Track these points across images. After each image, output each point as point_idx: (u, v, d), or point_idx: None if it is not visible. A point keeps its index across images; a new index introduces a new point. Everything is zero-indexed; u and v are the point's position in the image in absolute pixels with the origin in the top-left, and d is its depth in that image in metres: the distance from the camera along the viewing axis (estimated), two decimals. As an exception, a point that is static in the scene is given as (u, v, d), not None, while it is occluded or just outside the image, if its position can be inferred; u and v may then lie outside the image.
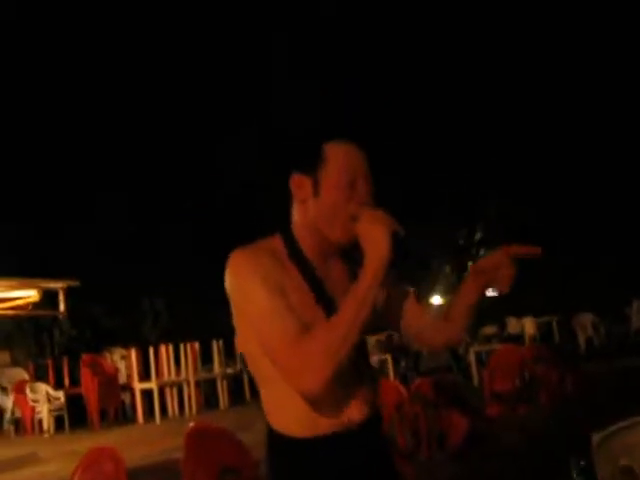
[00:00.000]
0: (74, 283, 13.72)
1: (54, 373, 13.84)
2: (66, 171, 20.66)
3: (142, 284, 17.75)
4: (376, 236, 1.67)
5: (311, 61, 20.38)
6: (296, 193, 1.82)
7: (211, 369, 14.23)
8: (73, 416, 12.72)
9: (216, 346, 14.15)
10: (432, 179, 20.87)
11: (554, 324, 18.84)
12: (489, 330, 17.47)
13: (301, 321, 1.66)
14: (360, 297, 1.65)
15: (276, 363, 1.67)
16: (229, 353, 14.78)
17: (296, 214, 1.84)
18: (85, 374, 12.90)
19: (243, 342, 1.78)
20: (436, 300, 24.34)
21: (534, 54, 21.50)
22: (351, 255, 1.85)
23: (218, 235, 18.72)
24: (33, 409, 12.57)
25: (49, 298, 14.08)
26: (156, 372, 12.97)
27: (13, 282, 12.19)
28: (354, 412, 1.76)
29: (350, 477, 1.76)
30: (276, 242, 1.82)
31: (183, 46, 21.91)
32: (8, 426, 12.91)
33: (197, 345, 13.97)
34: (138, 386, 12.82)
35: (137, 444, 9.83)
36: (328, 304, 1.75)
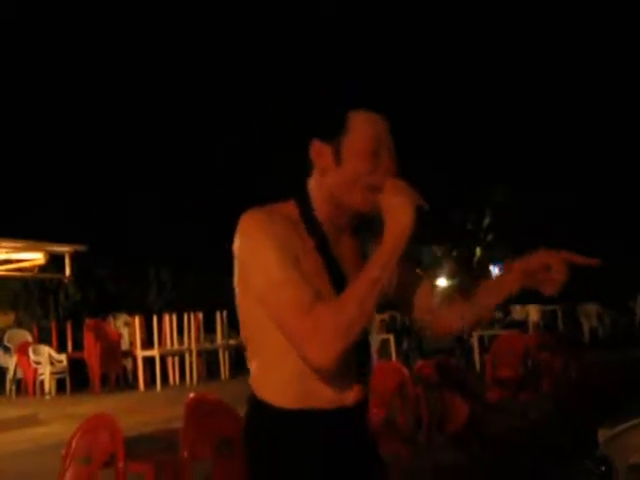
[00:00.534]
0: (81, 248, 13.70)
1: (57, 336, 13.88)
2: (77, 143, 20.70)
3: (148, 253, 17.76)
4: (400, 207, 1.62)
5: (311, 61, 20.27)
6: (316, 161, 1.76)
7: (214, 339, 14.26)
8: (75, 380, 12.79)
9: (219, 317, 14.16)
10: (442, 163, 20.77)
11: (559, 312, 18.81)
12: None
13: (314, 290, 1.61)
14: (377, 269, 1.60)
15: (286, 332, 1.61)
16: (232, 324, 14.78)
17: (313, 182, 1.78)
18: (88, 338, 12.94)
19: (244, 305, 1.72)
20: (441, 282, 24.32)
21: (539, 44, 21.32)
22: (361, 234, 1.80)
23: (224, 207, 18.70)
24: (35, 371, 12.63)
25: (56, 261, 14.07)
26: (159, 340, 13.00)
27: (19, 244, 12.15)
28: (349, 392, 1.71)
29: (333, 455, 1.71)
30: (290, 207, 1.76)
31: (180, 41, 21.83)
32: (10, 386, 12.97)
33: (201, 315, 13.99)
34: (140, 353, 12.85)
35: (137, 411, 9.86)
36: (338, 277, 1.70)
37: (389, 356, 13.68)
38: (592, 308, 17.66)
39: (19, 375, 13.00)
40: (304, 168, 1.81)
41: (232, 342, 14.35)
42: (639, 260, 22.56)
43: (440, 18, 21.31)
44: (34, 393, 12.56)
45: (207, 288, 17.05)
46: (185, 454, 3.59)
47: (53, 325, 14.19)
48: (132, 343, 13.74)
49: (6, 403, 11.78)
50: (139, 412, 9.70)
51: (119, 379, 13.28)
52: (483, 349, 12.97)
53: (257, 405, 1.76)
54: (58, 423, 9.00)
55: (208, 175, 21.61)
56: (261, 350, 1.74)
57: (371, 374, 1.82)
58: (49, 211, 17.86)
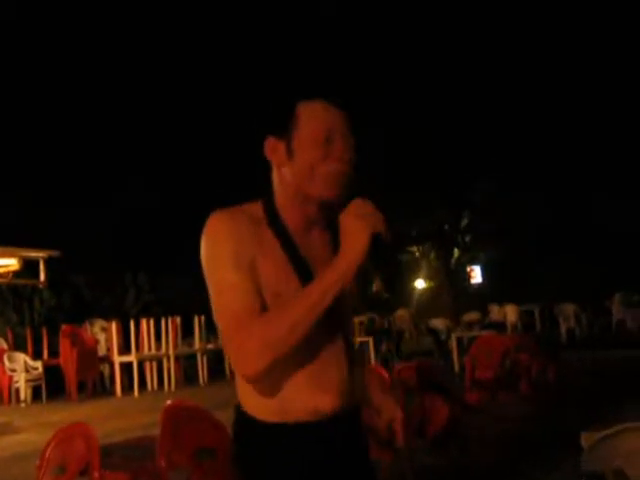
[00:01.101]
0: (55, 253, 13.56)
1: (33, 343, 13.71)
2: (57, 144, 20.55)
3: (125, 257, 17.63)
4: (356, 233, 1.55)
5: (310, 62, 20.28)
6: (271, 158, 1.73)
7: (192, 344, 14.16)
8: (51, 387, 12.62)
9: (197, 321, 14.06)
10: (420, 164, 20.81)
11: (536, 313, 18.92)
12: (471, 316, 17.50)
13: (257, 303, 1.57)
14: (317, 294, 1.55)
15: (222, 338, 1.60)
16: (211, 328, 14.70)
17: (275, 181, 1.74)
18: (64, 345, 12.79)
19: (214, 310, 1.68)
20: (419, 284, 24.40)
21: (517, 46, 21.45)
22: (336, 225, 1.76)
23: (203, 210, 18.57)
24: (10, 378, 12.45)
25: (30, 267, 13.91)
26: (136, 345, 12.88)
27: (-7, 250, 12.02)
28: (324, 402, 1.66)
29: (313, 470, 1.67)
30: (256, 207, 1.73)
31: (177, 41, 21.77)
32: (-15, 394, 12.80)
33: (178, 320, 13.88)
34: (117, 359, 12.72)
35: (114, 417, 9.77)
36: (305, 274, 1.65)
37: (368, 359, 13.67)
38: (569, 308, 17.75)
39: (-6, 383, 12.83)
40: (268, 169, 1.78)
41: (210, 346, 14.26)
42: (616, 260, 22.76)
43: (423, 20, 21.36)
44: (9, 401, 12.38)
45: (185, 292, 16.94)
46: (162, 463, 3.53)
47: (28, 332, 14.01)
48: (109, 349, 13.60)
49: (-19, 411, 11.61)
50: (116, 419, 9.60)
51: (96, 385, 13.14)
52: (462, 350, 13.00)
53: (240, 416, 1.74)
54: (33, 431, 8.87)
55: (186, 178, 21.51)
56: None
57: (356, 384, 1.75)
58: (22, 216, 17.66)
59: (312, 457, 1.67)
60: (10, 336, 14.09)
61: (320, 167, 1.66)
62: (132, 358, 12.63)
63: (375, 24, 21.38)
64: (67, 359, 12.61)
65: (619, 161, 22.79)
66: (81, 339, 13.27)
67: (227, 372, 14.08)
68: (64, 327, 13.29)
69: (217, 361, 14.58)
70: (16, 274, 13.47)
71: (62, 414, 10.43)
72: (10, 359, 12.58)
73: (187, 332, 14.22)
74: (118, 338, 12.93)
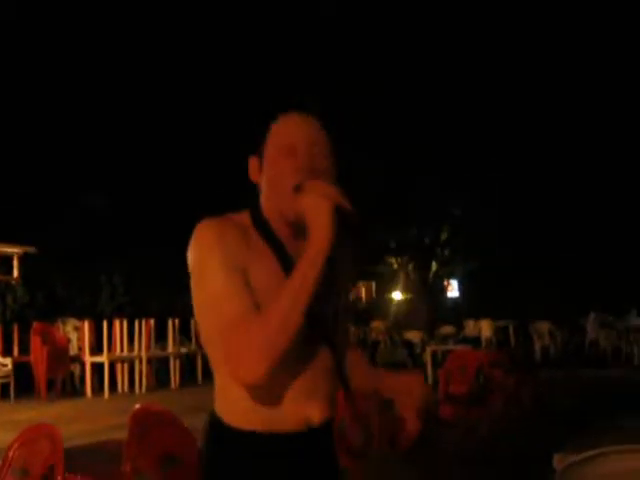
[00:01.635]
0: (30, 249, 13.44)
1: (3, 340, 13.52)
2: (37, 145, 20.44)
3: (101, 257, 17.48)
4: (315, 208, 1.52)
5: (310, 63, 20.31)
6: (251, 175, 1.73)
7: (165, 347, 14.05)
8: (19, 385, 12.45)
9: (172, 324, 13.96)
10: (400, 176, 20.87)
11: (511, 329, 19.00)
12: (446, 330, 17.54)
13: (252, 306, 1.53)
14: (299, 279, 1.51)
15: (218, 347, 1.56)
16: (185, 332, 14.60)
17: (261, 198, 1.73)
18: (35, 342, 12.62)
19: (199, 321, 1.65)
20: (396, 296, 24.41)
21: (503, 59, 21.62)
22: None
23: (180, 213, 18.53)
24: (-22, 374, 12.28)
25: (3, 263, 13.77)
26: (108, 346, 12.75)
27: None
28: (315, 411, 1.64)
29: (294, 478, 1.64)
30: (244, 216, 1.71)
31: (177, 42, 21.73)
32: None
33: (152, 322, 13.77)
34: (89, 359, 12.60)
35: (82, 419, 9.65)
36: None
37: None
38: (544, 326, 17.84)
39: (-39, 379, 12.63)
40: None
41: (184, 350, 14.15)
42: (592, 279, 22.94)
43: (434, 25, 21.44)
44: (-24, 398, 12.22)
45: (160, 294, 16.83)
46: (127, 468, 3.46)
47: (-1, 328, 13.84)
48: (81, 348, 13.46)
49: (-54, 408, 11.43)
50: (84, 420, 9.49)
51: (66, 385, 12.97)
52: (436, 364, 13.00)
53: (214, 422, 1.69)
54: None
55: (164, 178, 21.41)
56: (218, 368, 1.66)
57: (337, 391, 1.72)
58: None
59: (294, 468, 1.64)
60: (-20, 332, 13.91)
61: (282, 182, 1.63)
62: (104, 359, 12.49)
63: (375, 25, 21.43)
64: (37, 357, 12.45)
65: (598, 178, 22.98)
66: (52, 337, 13.10)
67: (199, 377, 13.99)
68: (35, 324, 13.12)
69: (190, 365, 14.48)
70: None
71: (30, 413, 10.29)
72: (-21, 355, 12.41)
73: (161, 335, 14.11)
74: (90, 338, 12.80)
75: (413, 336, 15.41)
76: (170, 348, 13.92)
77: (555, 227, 23.70)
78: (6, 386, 12.33)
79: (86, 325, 12.91)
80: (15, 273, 13.32)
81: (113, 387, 12.72)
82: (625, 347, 16.64)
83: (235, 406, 1.65)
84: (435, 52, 20.99)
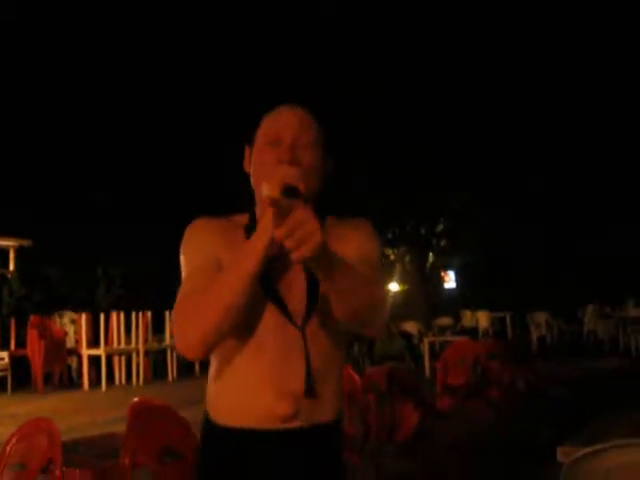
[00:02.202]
0: (26, 243, 13.40)
1: (0, 333, 13.50)
2: (34, 139, 20.40)
3: (97, 249, 17.46)
4: (263, 194, 1.43)
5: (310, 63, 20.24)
6: (245, 165, 1.74)
7: (162, 340, 14.04)
8: (17, 378, 12.44)
9: (169, 317, 13.95)
10: (397, 169, 20.84)
11: (508, 320, 19.02)
12: (444, 321, 17.57)
13: (203, 287, 1.53)
14: (236, 264, 1.50)
15: None
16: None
17: None
18: (32, 335, 12.61)
19: None
20: (393, 287, 24.40)
21: (511, 58, 21.58)
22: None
23: (178, 205, 18.54)
24: (-24, 368, 12.26)
25: (0, 256, 13.74)
26: (105, 339, 12.73)
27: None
28: (283, 408, 1.59)
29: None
30: (244, 216, 1.73)
31: (178, 41, 21.65)
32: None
33: (149, 314, 13.76)
34: (86, 352, 12.58)
35: (80, 411, 9.64)
36: (264, 278, 1.56)
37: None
38: (541, 316, 17.87)
39: (-42, 372, 12.62)
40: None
41: (181, 343, 14.13)
42: (589, 269, 22.96)
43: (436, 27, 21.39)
44: (-27, 391, 12.21)
45: (157, 287, 16.80)
46: (126, 461, 3.44)
47: (-4, 321, 13.82)
48: (78, 341, 13.45)
49: (-56, 401, 11.41)
50: (82, 413, 9.47)
51: (63, 378, 12.96)
52: (433, 355, 13.01)
53: (205, 416, 1.71)
54: (-3, 423, 8.72)
55: (160, 169, 21.38)
56: (211, 360, 1.69)
57: (313, 389, 1.62)
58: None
59: (265, 467, 1.61)
60: (-23, 325, 13.88)
61: (263, 172, 1.62)
62: (101, 351, 12.48)
63: (375, 25, 21.38)
64: (34, 350, 12.43)
65: (594, 168, 22.98)
66: (49, 330, 13.08)
67: (196, 369, 13.99)
68: (32, 318, 13.10)
69: (187, 358, 14.46)
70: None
71: (27, 406, 10.28)
72: (-24, 348, 12.39)
73: (158, 327, 14.10)
74: (87, 331, 12.79)
75: (410, 327, 15.40)
76: (167, 341, 13.92)
77: (552, 217, 23.70)
78: (3, 379, 12.32)
79: (83, 318, 12.90)
80: (11, 266, 13.27)
81: (110, 380, 12.72)
82: (623, 337, 16.66)
83: (213, 400, 1.68)
84: (435, 51, 20.95)
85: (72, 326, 14.28)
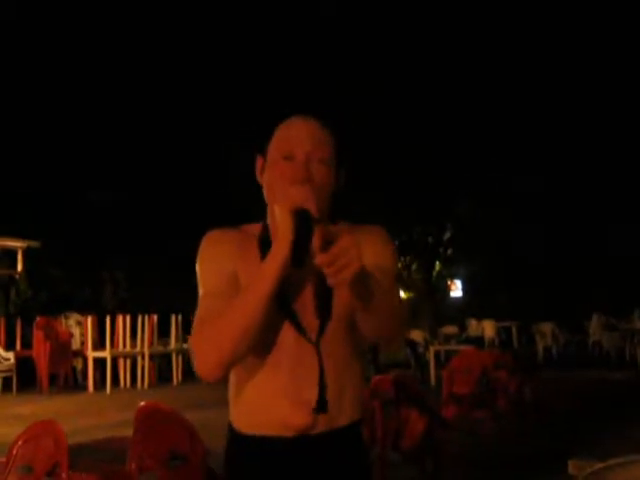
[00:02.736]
0: (34, 244, 13.41)
1: (6, 333, 13.52)
2: (41, 140, 20.46)
3: (104, 251, 17.48)
4: (277, 216, 1.50)
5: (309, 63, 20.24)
6: (256, 174, 1.73)
7: (167, 343, 14.05)
8: (22, 379, 12.45)
9: (174, 320, 13.96)
10: (404, 175, 20.83)
11: (514, 329, 18.96)
12: (449, 330, 17.52)
13: (223, 307, 1.54)
14: (251, 286, 1.53)
15: None
16: (187, 329, 14.58)
17: None
18: (37, 337, 12.63)
19: None
20: (400, 295, 24.35)
21: (513, 61, 21.56)
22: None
23: (184, 210, 18.57)
24: (-19, 368, 12.28)
25: (7, 257, 13.75)
26: (111, 341, 12.74)
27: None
28: (295, 417, 1.60)
29: None
30: (257, 226, 1.73)
31: (179, 42, 21.70)
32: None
33: (155, 318, 13.77)
34: (91, 354, 12.59)
35: (85, 414, 9.65)
36: (282, 297, 1.60)
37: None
38: (547, 327, 17.80)
39: (-37, 372, 12.64)
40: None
41: (186, 347, 14.14)
42: (595, 280, 22.88)
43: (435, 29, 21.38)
44: (-21, 391, 12.22)
45: (163, 290, 16.82)
46: (133, 466, 3.44)
47: (2, 322, 13.81)
48: (83, 343, 13.46)
49: (-51, 400, 11.43)
50: (87, 415, 9.48)
51: (68, 380, 12.97)
52: (439, 364, 12.98)
53: (229, 424, 1.73)
54: (1, 423, 8.72)
55: (168, 173, 21.39)
56: (230, 376, 1.71)
57: (326, 403, 1.63)
58: (1, 205, 17.49)
59: (279, 475, 1.63)
60: (-17, 326, 13.91)
61: (276, 187, 1.63)
62: (106, 354, 12.50)
63: (375, 25, 21.38)
64: (40, 351, 12.45)
65: (601, 178, 22.92)
66: (55, 332, 13.10)
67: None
68: (38, 319, 13.12)
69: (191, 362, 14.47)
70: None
71: (32, 407, 10.29)
72: (-18, 349, 12.41)
73: (163, 331, 14.11)
74: (93, 333, 12.80)
75: (416, 336, 15.36)
76: (172, 344, 13.93)
77: (559, 228, 23.64)
78: (8, 380, 12.34)
79: (89, 320, 12.92)
80: (19, 267, 13.29)
81: (115, 382, 12.73)
82: (629, 349, 16.59)
83: (232, 407, 1.70)
84: (436, 50, 20.94)
85: (78, 328, 14.30)
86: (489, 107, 20.96)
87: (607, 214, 23.33)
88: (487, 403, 7.64)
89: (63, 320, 14.48)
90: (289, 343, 1.62)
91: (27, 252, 13.75)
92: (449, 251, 22.28)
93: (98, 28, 21.39)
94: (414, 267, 22.29)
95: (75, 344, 13.74)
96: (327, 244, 1.38)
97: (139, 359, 13.18)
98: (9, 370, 12.35)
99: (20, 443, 3.39)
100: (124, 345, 13.15)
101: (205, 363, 1.54)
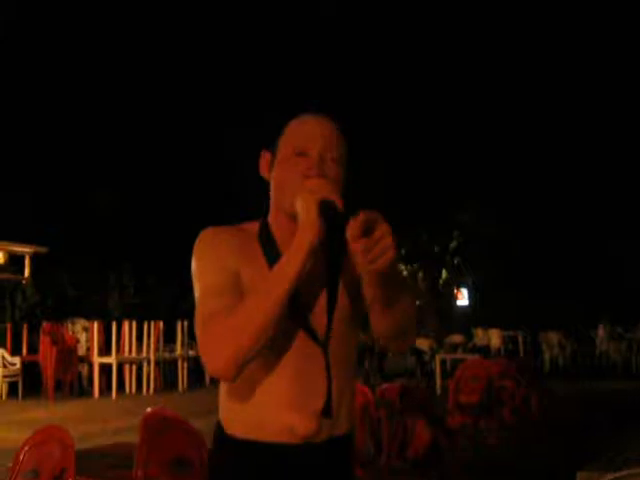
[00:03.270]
0: (42, 249, 13.44)
1: (12, 339, 13.54)
2: (49, 146, 20.50)
3: (111, 258, 17.51)
4: (303, 208, 1.49)
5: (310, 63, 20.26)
6: (261, 168, 1.71)
7: (173, 349, 14.05)
8: (27, 384, 12.46)
9: (180, 326, 13.97)
10: (411, 184, 20.82)
11: (520, 339, 18.89)
12: (455, 339, 17.44)
13: (230, 305, 1.51)
14: (273, 277, 1.50)
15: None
16: (193, 335, 14.55)
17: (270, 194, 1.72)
18: (44, 342, 12.64)
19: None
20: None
21: (509, 68, 21.54)
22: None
23: (190, 216, 18.59)
24: (-13, 373, 12.29)
25: (15, 262, 13.78)
26: (117, 347, 12.75)
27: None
28: (300, 423, 1.58)
29: None
30: (254, 225, 1.70)
31: (179, 43, 21.75)
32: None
33: (161, 324, 13.78)
34: (97, 360, 12.60)
35: (90, 419, 9.65)
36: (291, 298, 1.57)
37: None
38: (554, 337, 17.74)
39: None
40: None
41: (192, 353, 14.15)
42: (602, 290, 22.81)
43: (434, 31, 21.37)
44: (-16, 396, 12.23)
45: (169, 297, 16.83)
46: (139, 472, 3.43)
47: (8, 327, 13.84)
48: (89, 349, 13.47)
49: (-45, 405, 11.45)
50: (93, 421, 9.48)
51: (73, 385, 12.97)
52: (444, 372, 12.95)
53: (217, 426, 1.68)
54: (6, 428, 8.73)
55: (175, 181, 21.43)
56: None
57: (331, 409, 1.61)
58: (10, 211, 17.54)
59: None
60: (-11, 331, 13.93)
61: (289, 182, 1.61)
62: (112, 360, 12.50)
63: (375, 25, 21.40)
64: (46, 357, 12.46)
65: (610, 190, 22.88)
66: (61, 337, 13.12)
67: (207, 380, 13.98)
68: (45, 324, 13.15)
69: (197, 368, 14.47)
70: (0, 268, 13.33)
71: (38, 412, 10.30)
72: (-12, 354, 12.43)
73: (169, 337, 14.11)
74: (99, 339, 12.81)
75: (422, 344, 15.32)
76: (178, 350, 13.94)
77: (566, 237, 23.59)
78: (14, 385, 12.35)
79: (95, 326, 12.93)
80: (26, 272, 13.32)
81: (121, 388, 12.73)
82: (636, 359, 16.52)
83: (227, 412, 1.66)
84: (438, 52, 20.93)
85: (84, 334, 14.31)
86: (499, 120, 20.95)
87: (614, 225, 23.27)
88: (493, 413, 7.61)
89: (69, 326, 14.50)
90: (295, 344, 1.59)
91: (34, 258, 13.78)
92: (456, 260, 22.25)
93: (103, 29, 21.39)
94: (420, 275, 22.26)
95: (81, 350, 13.75)
96: (367, 231, 1.37)
97: (145, 365, 13.19)
98: (15, 375, 12.37)
99: (27, 448, 3.38)
100: (130, 351, 13.17)
101: (220, 362, 1.49)
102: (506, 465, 6.47)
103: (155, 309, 15.48)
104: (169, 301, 16.60)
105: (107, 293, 16.97)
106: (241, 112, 20.06)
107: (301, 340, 1.60)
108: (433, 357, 13.92)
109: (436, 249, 22.13)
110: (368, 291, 1.55)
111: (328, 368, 1.61)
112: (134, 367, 13.22)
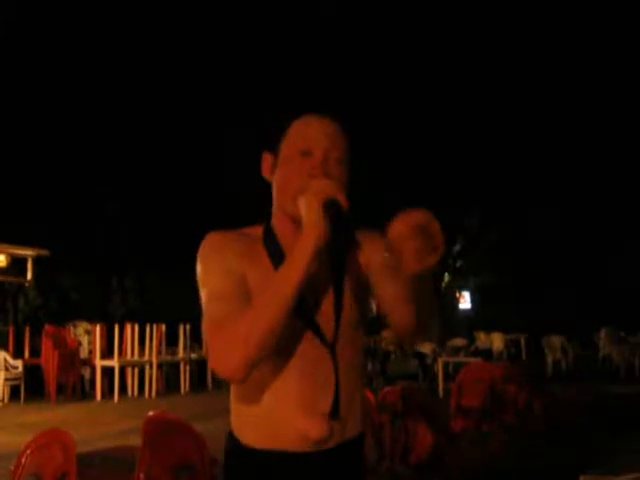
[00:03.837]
0: (44, 252, 13.44)
1: (14, 341, 13.54)
2: (51, 148, 20.52)
3: (113, 261, 17.51)
4: (307, 209, 1.47)
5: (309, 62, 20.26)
6: (263, 170, 1.70)
7: (175, 352, 14.04)
8: (30, 387, 12.46)
9: (182, 329, 13.96)
10: (414, 188, 20.82)
11: (522, 342, 18.86)
12: (458, 342, 17.42)
13: (239, 308, 1.50)
14: (278, 279, 1.49)
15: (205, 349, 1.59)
16: (196, 338, 14.58)
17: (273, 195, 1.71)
18: (46, 345, 12.64)
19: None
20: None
21: (512, 72, 21.54)
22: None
23: (193, 218, 18.57)
24: (-11, 376, 12.29)
25: (17, 265, 13.79)
26: (119, 350, 12.74)
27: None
28: (313, 428, 1.57)
29: None
30: (258, 228, 1.70)
31: (179, 43, 21.76)
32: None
33: (163, 327, 13.77)
34: (99, 363, 12.59)
35: (92, 422, 9.64)
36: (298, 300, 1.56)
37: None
38: (557, 340, 17.70)
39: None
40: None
41: (194, 356, 14.14)
42: (605, 294, 22.79)
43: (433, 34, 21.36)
44: (-13, 399, 12.23)
45: (172, 299, 16.82)
46: (141, 476, 3.43)
47: (11, 330, 13.84)
48: (91, 352, 13.47)
49: (-43, 408, 11.45)
50: (95, 424, 9.47)
51: (76, 388, 12.97)
52: (447, 376, 12.92)
53: (229, 434, 1.67)
54: (8, 432, 8.73)
55: (177, 183, 21.43)
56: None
57: (355, 412, 1.64)
58: (13, 213, 17.55)
59: None
60: (-9, 333, 13.93)
61: (292, 182, 1.60)
62: (114, 363, 12.49)
63: (375, 25, 21.40)
64: (48, 360, 12.46)
65: (613, 193, 22.86)
66: (64, 340, 13.12)
67: (209, 383, 13.97)
68: (47, 327, 13.15)
69: (200, 371, 14.46)
70: (2, 271, 13.33)
71: (40, 415, 10.29)
72: (-10, 357, 12.42)
73: (171, 340, 14.10)
74: (101, 342, 12.80)
75: (424, 347, 15.30)
76: (180, 353, 13.93)
77: (569, 241, 23.57)
78: (16, 388, 12.34)
79: (97, 329, 12.92)
80: (29, 275, 13.32)
81: (123, 391, 12.72)
82: (639, 363, 16.49)
83: (238, 420, 1.65)
84: (439, 53, 20.92)
85: (86, 336, 14.32)
86: (504, 124, 20.94)
87: (618, 229, 23.25)
88: (495, 416, 7.59)
89: (72, 329, 14.50)
90: (303, 347, 1.58)
91: (37, 261, 13.77)
92: (458, 263, 22.24)
93: (104, 31, 21.41)
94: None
95: (83, 353, 13.76)
96: (422, 229, 1.38)
97: (147, 368, 13.17)
98: (17, 378, 12.36)
99: (28, 452, 3.38)
100: (132, 354, 13.15)
101: (231, 363, 1.48)
102: (509, 469, 6.46)
103: (157, 312, 15.47)
104: (171, 304, 16.60)
105: (109, 296, 16.97)
106: (241, 112, 20.07)
107: (309, 342, 1.59)
108: (435, 360, 13.90)
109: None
110: (395, 289, 1.57)
111: (336, 370, 1.60)
112: (136, 370, 13.21)
